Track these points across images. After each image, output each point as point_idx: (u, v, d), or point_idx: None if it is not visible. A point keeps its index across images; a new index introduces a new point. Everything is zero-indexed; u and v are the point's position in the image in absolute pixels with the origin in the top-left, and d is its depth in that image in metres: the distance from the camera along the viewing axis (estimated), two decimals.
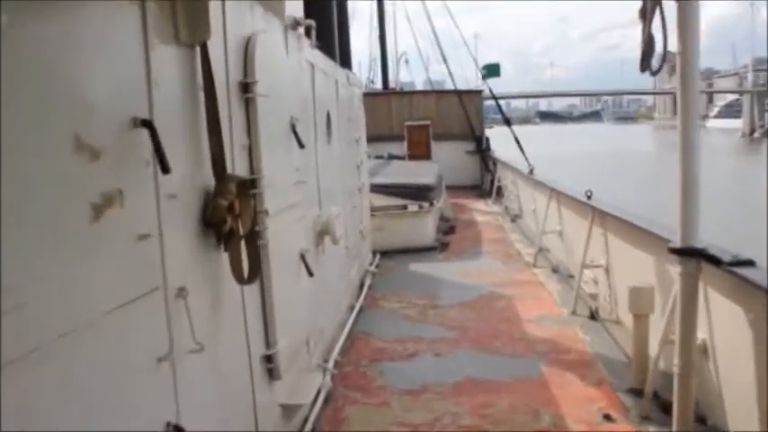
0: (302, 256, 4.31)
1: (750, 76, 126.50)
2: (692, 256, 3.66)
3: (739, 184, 46.03)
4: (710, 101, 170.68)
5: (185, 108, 2.64)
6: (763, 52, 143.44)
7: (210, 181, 2.79)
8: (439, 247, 10.51)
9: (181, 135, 2.57)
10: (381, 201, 10.33)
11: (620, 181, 42.35)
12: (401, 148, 20.56)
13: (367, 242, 8.99)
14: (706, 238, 3.84)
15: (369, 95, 24.93)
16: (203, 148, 2.76)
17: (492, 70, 19.84)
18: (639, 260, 5.69)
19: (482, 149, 19.35)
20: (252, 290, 3.35)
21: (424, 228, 10.66)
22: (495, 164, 17.57)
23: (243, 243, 3.01)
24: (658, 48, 3.92)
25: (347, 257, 7.08)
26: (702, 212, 3.75)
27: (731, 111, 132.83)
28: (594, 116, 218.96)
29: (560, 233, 9.09)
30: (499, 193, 16.37)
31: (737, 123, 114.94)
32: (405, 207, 10.42)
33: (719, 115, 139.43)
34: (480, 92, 21.48)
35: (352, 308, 7.10)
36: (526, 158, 11.54)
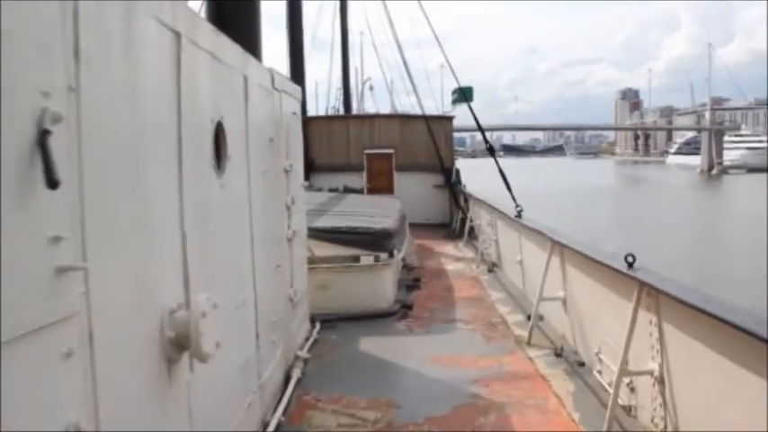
0: None
1: (708, 114, 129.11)
2: None
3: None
4: (670, 138, 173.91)
5: None
6: (720, 92, 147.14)
7: None
8: (399, 313, 8.03)
9: None
10: (326, 250, 7.85)
11: (600, 218, 41.30)
12: (360, 179, 18.15)
13: (301, 311, 6.49)
14: None
15: (324, 119, 22.56)
16: None
17: (464, 94, 17.59)
18: (725, 371, 3.42)
19: (452, 183, 17.01)
20: None
21: (381, 286, 8.17)
22: (466, 200, 15.22)
23: None
24: None
25: (259, 352, 4.58)
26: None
27: (689, 147, 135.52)
28: (557, 150, 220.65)
29: (564, 301, 6.73)
30: (471, 234, 14.01)
31: (695, 160, 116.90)
32: (356, 259, 7.94)
33: (679, 152, 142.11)
34: (451, 118, 19.18)
35: (264, 425, 4.59)
36: (513, 197, 9.17)
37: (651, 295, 4.33)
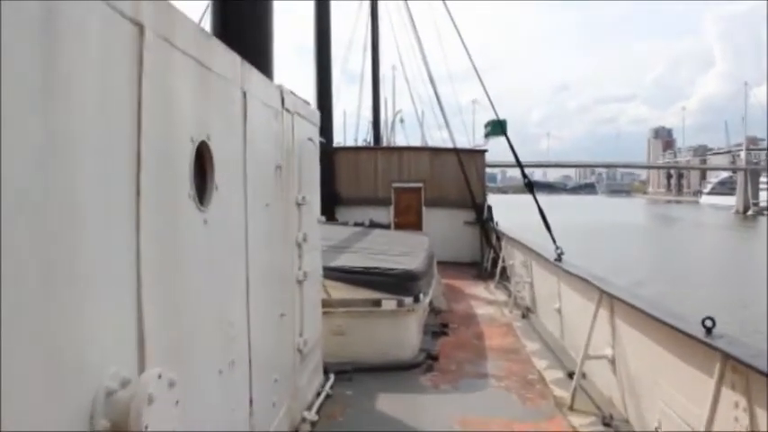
0: None
1: (743, 153, 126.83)
2: None
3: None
4: (704, 177, 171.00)
5: None
6: (755, 131, 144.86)
7: None
8: (424, 365, 7.19)
9: None
10: (343, 292, 7.10)
11: (633, 256, 39.82)
12: (387, 214, 17.42)
13: (312, 362, 5.71)
14: None
15: (351, 150, 21.90)
16: None
17: (497, 128, 16.85)
18: None
19: (483, 220, 16.17)
20: None
21: (405, 334, 7.36)
22: (499, 239, 14.36)
23: None
24: None
25: (252, 419, 3.82)
26: None
27: (724, 188, 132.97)
28: (588, 188, 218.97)
29: (613, 360, 5.85)
30: (503, 275, 13.13)
31: (730, 200, 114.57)
32: (377, 303, 7.16)
33: (713, 192, 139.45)
34: (484, 152, 18.40)
35: None
36: (553, 239, 8.30)
37: (739, 372, 3.47)
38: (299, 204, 5.14)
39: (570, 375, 6.72)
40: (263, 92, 4.20)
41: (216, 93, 3.24)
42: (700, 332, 3.76)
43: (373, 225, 14.89)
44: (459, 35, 10.69)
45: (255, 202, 3.91)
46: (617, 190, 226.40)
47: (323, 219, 6.17)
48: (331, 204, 16.78)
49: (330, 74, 16.16)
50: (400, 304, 7.15)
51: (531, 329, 9.12)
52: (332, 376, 6.38)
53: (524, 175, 8.93)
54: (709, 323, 3.69)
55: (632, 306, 5.22)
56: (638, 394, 5.24)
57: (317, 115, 6.05)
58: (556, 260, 7.92)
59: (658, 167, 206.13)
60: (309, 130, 5.70)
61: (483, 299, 11.86)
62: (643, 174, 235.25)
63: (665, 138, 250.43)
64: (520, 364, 7.43)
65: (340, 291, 7.01)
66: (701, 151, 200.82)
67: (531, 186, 8.86)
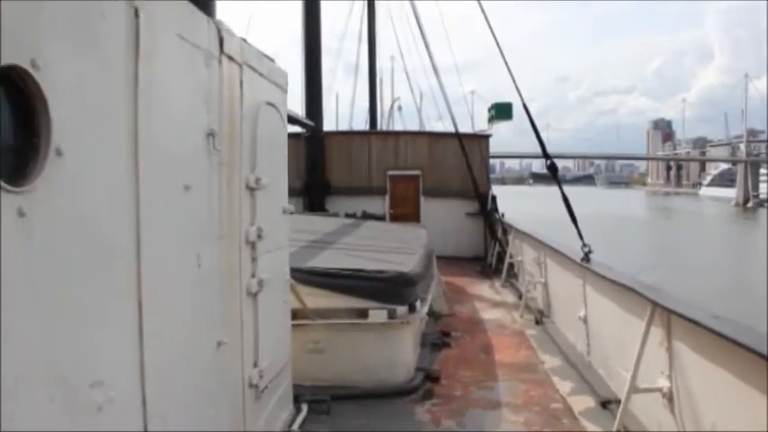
0: None
1: (743, 146, 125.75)
2: None
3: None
4: (703, 169, 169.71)
5: None
6: (755, 124, 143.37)
7: None
8: (422, 390, 5.82)
9: None
10: (322, 300, 5.71)
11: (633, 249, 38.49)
12: (382, 204, 16.06)
13: (273, 398, 4.32)
14: None
15: (343, 135, 20.37)
16: None
17: (502, 111, 15.44)
18: None
19: (487, 211, 14.78)
20: None
21: (397, 352, 5.97)
22: (505, 232, 12.98)
23: None
24: None
25: None
26: None
27: (724, 180, 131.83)
28: (587, 180, 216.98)
29: (669, 395, 4.48)
30: (510, 272, 11.77)
31: (730, 192, 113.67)
32: (363, 313, 5.77)
33: (712, 183, 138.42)
34: (488, 137, 16.94)
35: None
36: (580, 234, 6.83)
37: None
38: (251, 189, 3.76)
39: (603, 404, 5.39)
40: (181, 21, 2.81)
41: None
42: None
43: (366, 216, 13.55)
44: (485, 14, 9.09)
45: (161, 181, 2.54)
46: (616, 182, 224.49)
47: (291, 208, 4.77)
48: (322, 194, 15.45)
49: (319, 50, 14.76)
50: (392, 315, 5.76)
51: (548, 340, 7.75)
52: (304, 408, 5.00)
53: (547, 156, 7.47)
54: None
55: (702, 325, 3.84)
56: None
57: (282, 75, 4.63)
58: (583, 259, 6.52)
59: (659, 159, 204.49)
60: (270, 93, 4.30)
61: (489, 300, 10.49)
62: (642, 165, 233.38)
63: (664, 129, 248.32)
64: (539, 386, 6.07)
65: (317, 298, 5.62)
66: (701, 143, 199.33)
67: (554, 170, 7.42)
